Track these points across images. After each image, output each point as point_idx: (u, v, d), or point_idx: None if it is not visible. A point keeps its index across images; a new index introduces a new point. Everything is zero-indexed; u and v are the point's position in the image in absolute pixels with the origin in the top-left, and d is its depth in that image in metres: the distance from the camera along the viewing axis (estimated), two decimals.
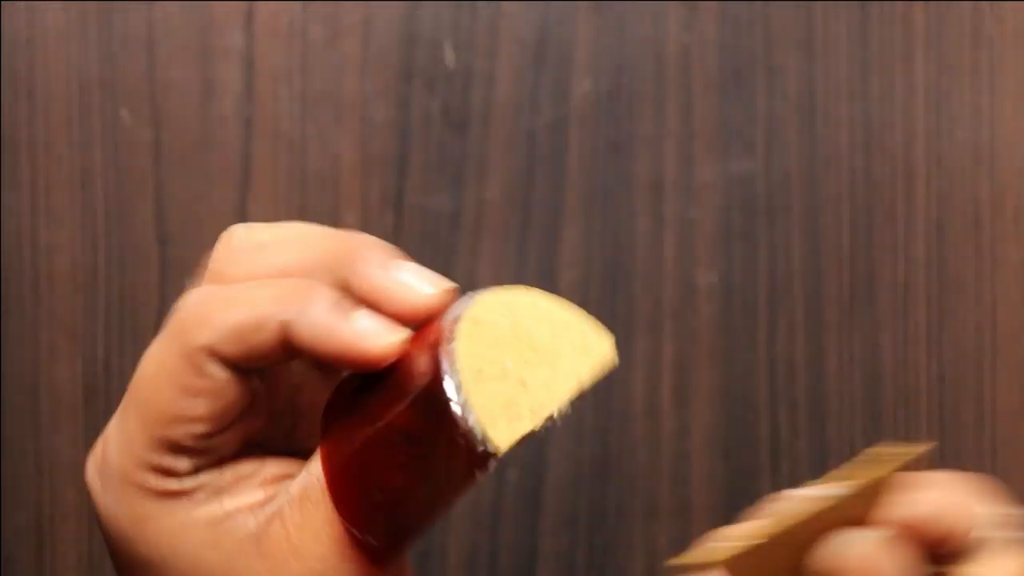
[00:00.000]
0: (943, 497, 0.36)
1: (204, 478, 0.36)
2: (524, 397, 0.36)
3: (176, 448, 0.36)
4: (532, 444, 0.71)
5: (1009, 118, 0.72)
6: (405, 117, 0.71)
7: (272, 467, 0.37)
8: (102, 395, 0.71)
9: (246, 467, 0.37)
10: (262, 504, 0.37)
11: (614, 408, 0.71)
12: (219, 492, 0.36)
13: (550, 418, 0.36)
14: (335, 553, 0.36)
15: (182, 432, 0.35)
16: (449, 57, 0.72)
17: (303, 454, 0.38)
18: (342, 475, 0.36)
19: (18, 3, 0.71)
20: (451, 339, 0.35)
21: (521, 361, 0.36)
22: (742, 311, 0.71)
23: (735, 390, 0.71)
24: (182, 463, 0.36)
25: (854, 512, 0.36)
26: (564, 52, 0.72)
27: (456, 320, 0.35)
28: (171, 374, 0.35)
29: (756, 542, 0.37)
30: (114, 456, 0.36)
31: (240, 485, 0.37)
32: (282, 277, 0.36)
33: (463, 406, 0.35)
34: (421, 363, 0.35)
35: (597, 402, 0.71)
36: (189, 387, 0.35)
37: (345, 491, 0.36)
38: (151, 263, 0.71)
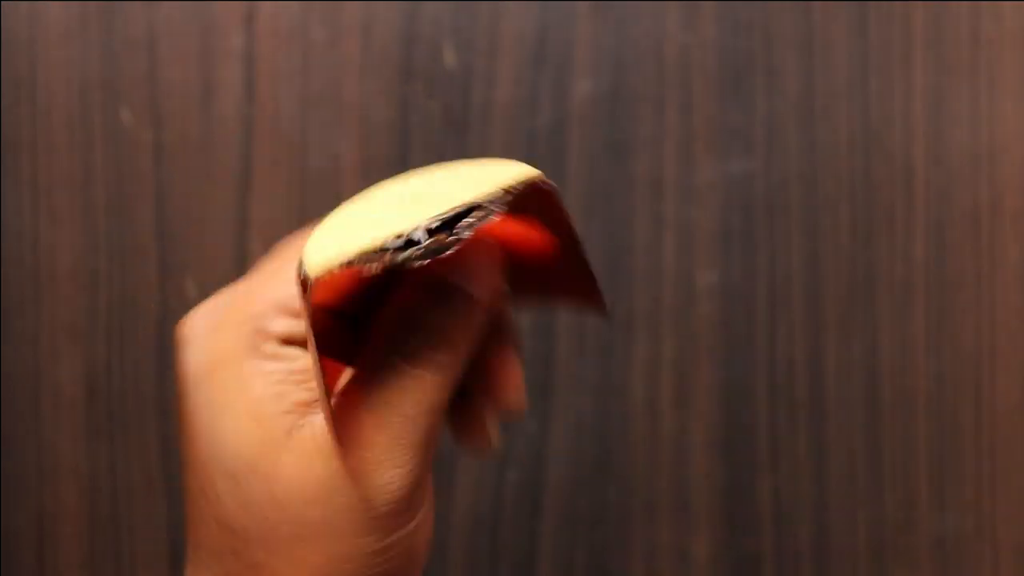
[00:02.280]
0: None
1: (289, 351, 0.38)
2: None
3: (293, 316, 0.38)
4: (532, 444, 0.71)
5: (1008, 119, 0.72)
6: (405, 117, 0.71)
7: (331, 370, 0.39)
8: (103, 395, 0.71)
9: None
10: (308, 404, 0.38)
11: (614, 408, 0.71)
12: (288, 375, 0.38)
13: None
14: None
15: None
16: (449, 58, 0.72)
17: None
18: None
19: (19, 3, 0.71)
20: None
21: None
22: (742, 311, 0.72)
23: (734, 390, 0.71)
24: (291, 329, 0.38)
25: None
26: (564, 52, 0.72)
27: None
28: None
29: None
30: (246, 304, 0.39)
31: (303, 377, 0.38)
32: None
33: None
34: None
35: (597, 402, 0.71)
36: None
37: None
38: (151, 263, 0.71)
